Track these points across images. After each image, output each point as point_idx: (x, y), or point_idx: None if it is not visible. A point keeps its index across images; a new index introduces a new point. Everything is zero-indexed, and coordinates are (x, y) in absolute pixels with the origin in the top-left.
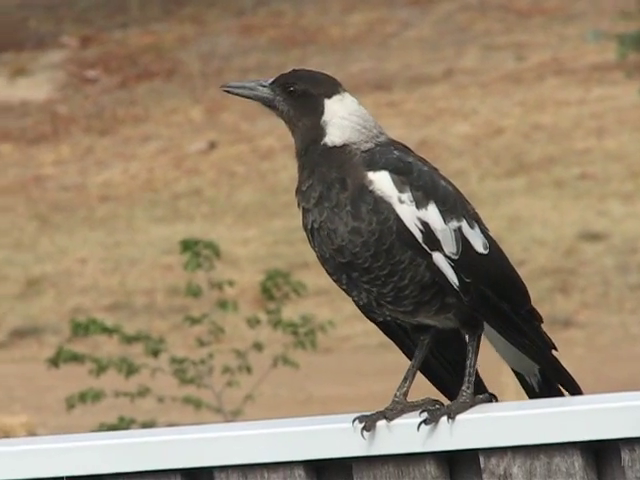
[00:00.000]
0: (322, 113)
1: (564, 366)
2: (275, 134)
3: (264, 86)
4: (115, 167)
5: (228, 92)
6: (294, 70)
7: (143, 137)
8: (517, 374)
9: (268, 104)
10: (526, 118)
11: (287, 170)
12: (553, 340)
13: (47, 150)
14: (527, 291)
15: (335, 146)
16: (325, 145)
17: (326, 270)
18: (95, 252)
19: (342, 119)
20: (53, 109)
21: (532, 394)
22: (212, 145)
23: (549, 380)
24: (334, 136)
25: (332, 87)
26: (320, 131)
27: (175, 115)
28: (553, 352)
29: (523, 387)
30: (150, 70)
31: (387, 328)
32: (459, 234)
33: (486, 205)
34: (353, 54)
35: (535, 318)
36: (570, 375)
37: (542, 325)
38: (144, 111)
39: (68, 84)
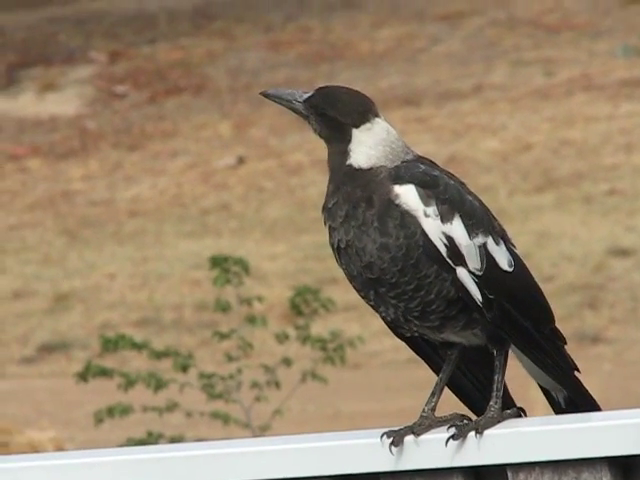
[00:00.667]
0: (349, 142)
1: (586, 388)
2: (304, 149)
3: (299, 102)
4: (144, 182)
5: (266, 97)
6: (326, 91)
7: (172, 152)
8: (543, 390)
9: (303, 118)
10: (555, 134)
11: (316, 185)
12: (582, 355)
13: (76, 165)
14: (551, 311)
15: (361, 168)
16: (351, 167)
17: (354, 287)
18: (123, 267)
19: (369, 149)
20: (82, 124)
21: (558, 410)
22: (240, 160)
23: (573, 398)
24: (361, 162)
25: (362, 115)
26: (347, 157)
27: (204, 130)
28: (575, 373)
29: (549, 403)
30: (179, 85)
31: (414, 344)
32: (484, 250)
33: (515, 221)
34: (382, 69)
35: (558, 338)
36: (592, 397)
37: (567, 344)
38: (173, 126)
39: (97, 99)
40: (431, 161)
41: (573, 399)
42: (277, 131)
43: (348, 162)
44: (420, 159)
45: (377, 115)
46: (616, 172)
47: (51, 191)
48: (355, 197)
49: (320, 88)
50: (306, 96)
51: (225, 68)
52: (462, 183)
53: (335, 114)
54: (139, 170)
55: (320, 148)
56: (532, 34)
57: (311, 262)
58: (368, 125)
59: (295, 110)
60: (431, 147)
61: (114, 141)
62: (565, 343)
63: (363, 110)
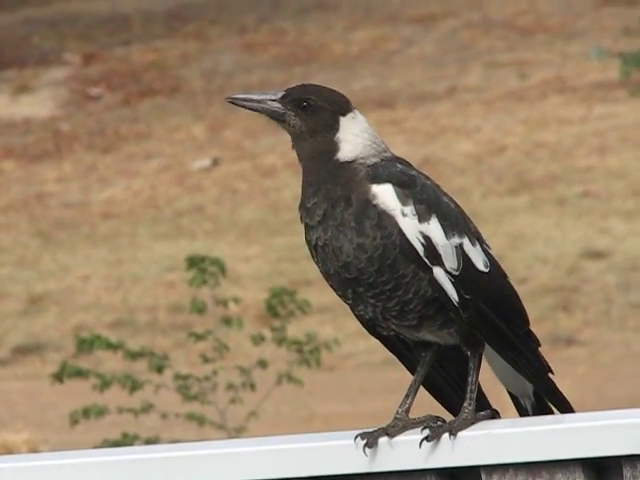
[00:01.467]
0: (337, 130)
1: (559, 389)
2: (278, 152)
3: (273, 100)
4: (118, 184)
5: (234, 104)
6: (304, 85)
7: (146, 154)
8: (512, 396)
9: (277, 118)
10: (529, 136)
11: (290, 188)
12: (556, 357)
13: (50, 167)
14: (525, 312)
15: (345, 161)
16: (336, 161)
17: (331, 285)
18: (98, 269)
19: (355, 136)
20: (56, 126)
21: (525, 416)
22: (215, 162)
23: (543, 403)
24: (347, 151)
25: (346, 104)
26: (332, 147)
27: (178, 132)
28: (549, 375)
29: (517, 409)
30: (153, 87)
31: (390, 344)
32: (460, 250)
33: (489, 223)
34: (356, 71)
35: (533, 340)
36: (565, 398)
37: (541, 346)
38: (147, 128)
39: (71, 101)
40: (407, 162)
41: (546, 400)
42: (251, 133)
43: (334, 155)
44: (398, 159)
45: (355, 109)
46: (590, 174)
47: (25, 193)
48: (335, 196)
49: (295, 86)
50: (281, 94)
51: (199, 70)
52: (437, 185)
53: (323, 102)
54: (113, 172)
55: (294, 151)
56: (506, 36)
57: (285, 264)
58: (352, 114)
59: (267, 111)
60: (405, 149)
61: (88, 143)
62: (539, 345)
63: (346, 100)
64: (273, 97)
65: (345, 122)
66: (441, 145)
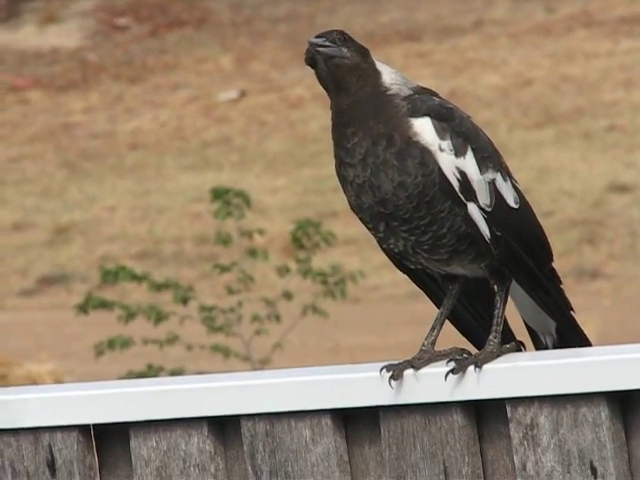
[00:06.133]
0: (373, 63)
1: (581, 327)
2: (305, 84)
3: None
4: (145, 115)
5: (315, 49)
6: (326, 31)
7: (173, 85)
8: (532, 333)
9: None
10: (555, 70)
11: (316, 119)
12: (581, 291)
13: (77, 98)
14: (551, 249)
15: (387, 90)
16: (380, 88)
17: (361, 218)
18: (124, 200)
19: (384, 64)
20: (83, 57)
21: None
22: (242, 94)
23: (565, 340)
24: (387, 76)
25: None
26: (376, 73)
27: (205, 64)
28: (571, 313)
29: (535, 346)
30: (180, 19)
31: (416, 277)
32: (493, 186)
33: (515, 156)
34: (383, 4)
35: (556, 277)
36: (586, 336)
37: (562, 285)
38: (174, 59)
39: (98, 32)
40: (434, 92)
41: (568, 338)
42: (278, 65)
43: (379, 78)
44: (423, 89)
45: None
46: (615, 108)
47: (51, 123)
48: (377, 133)
49: (323, 33)
50: (322, 39)
51: (227, 2)
52: (468, 116)
53: (357, 42)
54: (140, 103)
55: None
56: None
57: (311, 196)
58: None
59: (338, 53)
60: (432, 82)
61: (115, 74)
62: (561, 283)
63: None
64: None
65: (375, 59)
66: (468, 78)
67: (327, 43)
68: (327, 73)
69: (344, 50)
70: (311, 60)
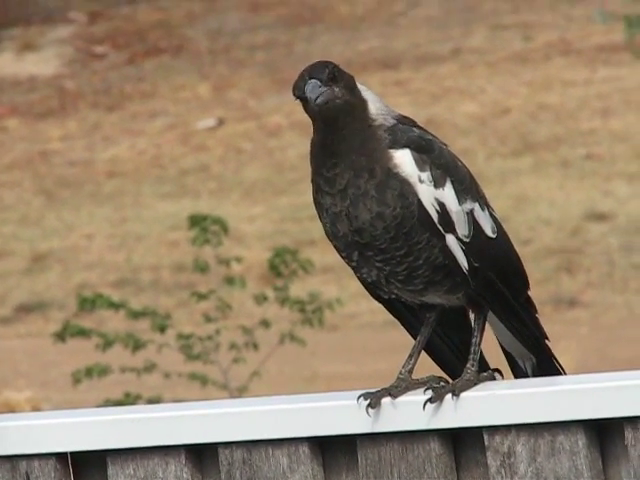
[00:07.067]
0: (360, 95)
1: (555, 356)
2: (283, 111)
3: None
4: (122, 143)
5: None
6: (313, 64)
7: (151, 113)
8: (510, 359)
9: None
10: (533, 98)
11: (294, 147)
12: (559, 319)
13: (54, 125)
14: (527, 278)
15: (370, 123)
16: (367, 121)
17: (336, 246)
18: (101, 228)
19: (369, 94)
20: (61, 84)
21: (523, 378)
22: (220, 122)
23: (544, 367)
24: (373, 108)
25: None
26: (364, 105)
27: (183, 92)
28: (546, 342)
29: (513, 373)
30: (158, 46)
31: (392, 307)
32: (471, 217)
33: (493, 184)
34: (361, 32)
35: (532, 306)
36: (560, 365)
37: (538, 314)
38: (152, 87)
39: (76, 59)
40: (413, 121)
41: (542, 367)
42: (256, 93)
43: (366, 110)
44: (404, 118)
45: None
46: (593, 137)
47: (29, 151)
48: (359, 166)
49: (310, 67)
50: (312, 79)
51: (205, 30)
52: (447, 146)
53: (343, 72)
54: (118, 131)
55: (299, 110)
56: None
57: (289, 223)
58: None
59: (336, 96)
60: (409, 110)
61: (93, 101)
62: (537, 312)
63: None
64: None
65: (361, 87)
66: (445, 106)
67: (321, 89)
68: (318, 114)
69: (336, 90)
70: (300, 93)
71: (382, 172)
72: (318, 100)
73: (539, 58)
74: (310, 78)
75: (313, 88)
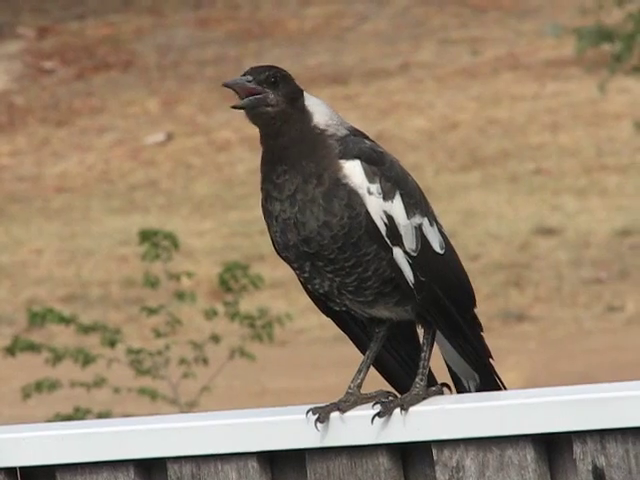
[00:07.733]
0: (305, 105)
1: (499, 375)
2: (232, 126)
3: (249, 81)
4: (71, 158)
5: (231, 88)
6: (260, 66)
7: (99, 128)
8: (455, 377)
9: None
10: (481, 113)
11: (243, 163)
12: (508, 334)
13: (3, 141)
14: (474, 295)
15: (320, 130)
16: (312, 130)
17: (285, 257)
18: (51, 243)
19: (318, 105)
20: (9, 100)
21: None
22: (169, 137)
23: (488, 386)
24: (319, 118)
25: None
26: (307, 115)
27: (132, 107)
28: (490, 360)
29: (457, 390)
30: (107, 61)
31: (341, 321)
32: (419, 231)
33: (441, 199)
34: (310, 47)
35: (477, 324)
36: (504, 385)
37: (483, 332)
38: (101, 102)
39: (25, 75)
40: (364, 135)
41: (485, 387)
42: (205, 108)
43: (311, 120)
44: (356, 131)
45: None
46: (542, 151)
47: None
48: (308, 172)
49: (253, 68)
50: (250, 77)
51: (153, 45)
52: (397, 160)
53: (283, 75)
54: (67, 146)
55: (248, 125)
56: (459, 13)
57: (238, 239)
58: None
59: (267, 102)
60: (358, 125)
61: (42, 117)
62: (482, 330)
63: None
64: (250, 79)
65: (309, 97)
66: (394, 121)
67: (251, 85)
68: (251, 121)
69: (270, 97)
70: (229, 82)
71: (330, 181)
72: (245, 103)
73: (488, 73)
74: (247, 74)
75: (240, 81)
